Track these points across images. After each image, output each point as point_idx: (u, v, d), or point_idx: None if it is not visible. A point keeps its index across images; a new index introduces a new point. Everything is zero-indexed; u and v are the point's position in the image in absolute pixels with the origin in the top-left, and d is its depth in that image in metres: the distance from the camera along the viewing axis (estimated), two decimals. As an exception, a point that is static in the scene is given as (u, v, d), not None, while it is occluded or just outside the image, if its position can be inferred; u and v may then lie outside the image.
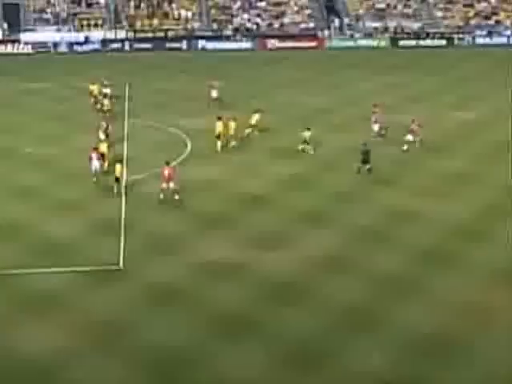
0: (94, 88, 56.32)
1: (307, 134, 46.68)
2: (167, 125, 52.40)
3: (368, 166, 43.10)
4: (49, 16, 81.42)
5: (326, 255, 34.20)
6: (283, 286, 31.64)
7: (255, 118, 50.45)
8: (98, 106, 54.63)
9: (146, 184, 42.21)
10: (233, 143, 47.99)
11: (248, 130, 49.95)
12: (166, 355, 27.19)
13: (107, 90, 55.60)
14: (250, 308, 30.02)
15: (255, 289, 31.40)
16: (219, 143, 47.21)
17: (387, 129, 49.07)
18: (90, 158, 42.05)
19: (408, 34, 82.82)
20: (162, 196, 39.71)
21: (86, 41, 78.44)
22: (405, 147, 46.84)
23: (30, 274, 32.59)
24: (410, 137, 47.17)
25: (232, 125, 47.73)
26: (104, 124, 47.41)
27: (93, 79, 57.67)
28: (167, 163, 40.40)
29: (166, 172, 39.85)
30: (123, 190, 40.82)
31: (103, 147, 43.91)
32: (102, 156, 43.36)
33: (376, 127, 49.40)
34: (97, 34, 78.96)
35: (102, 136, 45.55)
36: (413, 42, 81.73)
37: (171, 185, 39.65)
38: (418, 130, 47.33)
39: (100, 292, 31.22)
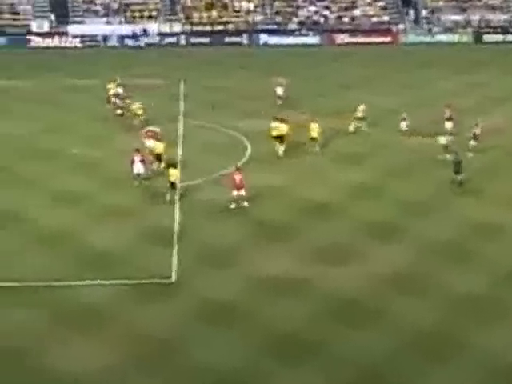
0: (111, 87, 55.54)
1: (443, 140, 46.32)
2: (225, 126, 52.64)
3: (460, 177, 42.57)
4: (98, 7, 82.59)
5: (396, 272, 33.96)
6: (348, 305, 31.53)
7: (361, 109, 50.41)
8: (119, 111, 53.60)
9: (202, 190, 42.45)
10: (315, 148, 47.59)
11: (354, 124, 50.26)
12: (218, 377, 27.27)
13: (120, 90, 55.17)
14: (312, 328, 29.96)
15: (318, 307, 31.33)
16: (281, 147, 47.19)
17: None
18: (133, 162, 42.55)
19: (493, 28, 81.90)
20: (233, 205, 39.85)
21: (142, 34, 79.14)
22: (470, 154, 46.15)
23: (73, 286, 33.00)
24: (473, 143, 46.73)
25: (315, 127, 47.49)
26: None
27: (110, 78, 57.14)
28: (237, 168, 40.68)
29: (238, 178, 39.91)
30: (177, 197, 41.15)
31: (159, 148, 44.48)
32: (157, 157, 44.19)
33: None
34: (150, 27, 79.77)
35: (149, 143, 45.54)
36: (499, 37, 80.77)
37: (242, 193, 39.80)
38: (480, 134, 46.73)
39: (149, 307, 31.43)
